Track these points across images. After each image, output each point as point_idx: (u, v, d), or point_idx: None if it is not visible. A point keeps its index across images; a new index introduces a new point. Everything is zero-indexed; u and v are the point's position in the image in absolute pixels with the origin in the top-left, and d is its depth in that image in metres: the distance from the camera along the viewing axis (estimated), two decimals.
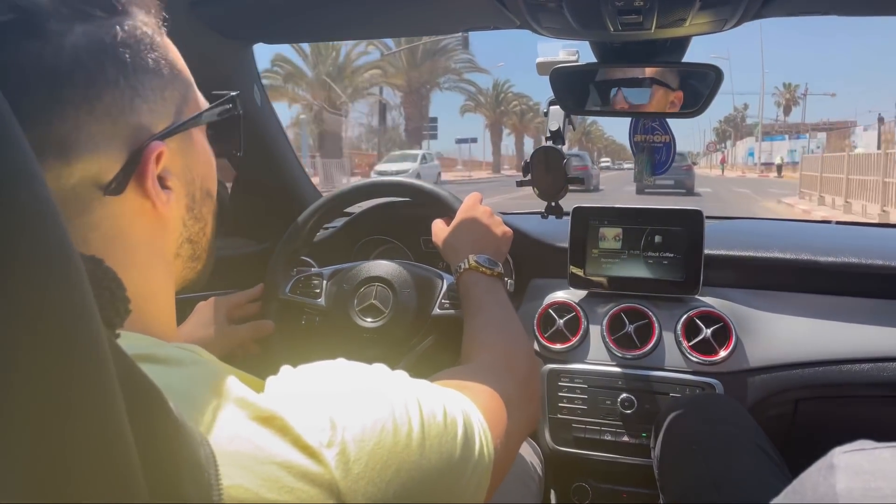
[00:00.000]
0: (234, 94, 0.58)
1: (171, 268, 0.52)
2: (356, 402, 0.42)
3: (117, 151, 0.44)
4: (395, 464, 0.41)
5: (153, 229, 0.49)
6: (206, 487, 0.33)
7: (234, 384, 0.40)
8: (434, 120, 37.09)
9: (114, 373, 0.26)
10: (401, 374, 0.49)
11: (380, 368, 0.49)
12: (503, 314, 0.81)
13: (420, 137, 36.20)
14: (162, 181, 0.48)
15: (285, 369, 0.45)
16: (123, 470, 0.26)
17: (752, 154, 53.14)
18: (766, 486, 0.76)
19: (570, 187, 1.08)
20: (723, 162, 56.40)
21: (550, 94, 1.07)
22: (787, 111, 72.10)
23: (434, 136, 37.01)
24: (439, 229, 1.01)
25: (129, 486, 0.26)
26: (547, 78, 1.02)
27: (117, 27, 0.44)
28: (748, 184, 29.22)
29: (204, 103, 0.55)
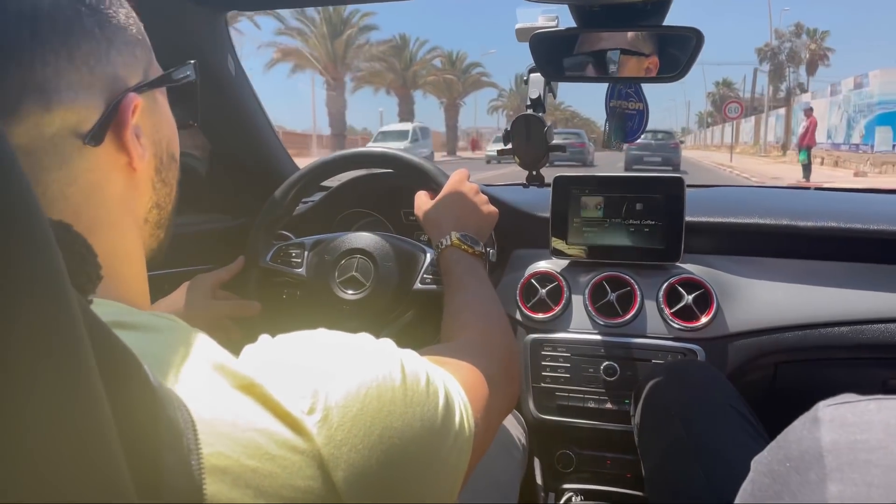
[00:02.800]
0: (191, 61, 0.58)
1: (141, 232, 0.52)
2: (339, 368, 0.41)
3: (95, 101, 0.44)
4: (378, 429, 0.40)
5: (127, 187, 0.49)
6: (185, 453, 0.32)
7: (213, 351, 0.39)
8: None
9: (87, 338, 0.25)
10: (385, 342, 0.49)
11: (363, 336, 0.48)
12: (484, 294, 0.80)
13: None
14: (136, 138, 0.48)
15: (264, 338, 0.44)
16: (99, 437, 0.25)
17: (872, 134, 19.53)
18: (743, 449, 0.77)
19: (564, 162, 1.07)
20: (807, 143, 15.85)
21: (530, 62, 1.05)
22: (811, 67, 48.29)
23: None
24: (422, 202, 0.99)
25: (105, 454, 0.25)
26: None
27: None
28: None
29: (161, 73, 0.55)
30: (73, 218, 0.43)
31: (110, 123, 0.45)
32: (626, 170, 17.96)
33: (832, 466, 0.42)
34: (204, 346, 0.39)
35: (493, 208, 0.97)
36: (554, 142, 1.09)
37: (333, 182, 1.35)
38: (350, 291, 1.07)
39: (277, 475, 0.35)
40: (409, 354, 0.49)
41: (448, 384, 0.49)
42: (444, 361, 0.55)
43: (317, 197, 1.39)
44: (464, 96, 43.97)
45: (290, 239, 1.20)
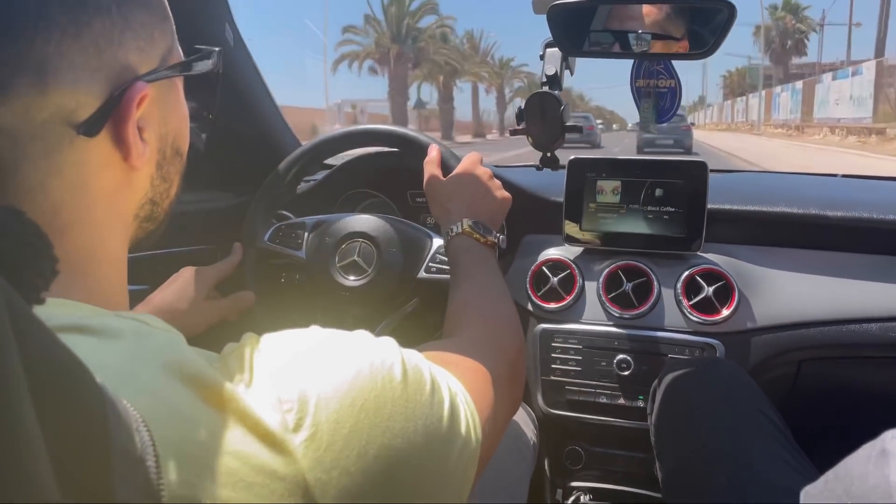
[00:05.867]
0: (217, 49, 0.53)
1: (128, 230, 0.47)
2: (331, 377, 0.36)
3: (98, 88, 0.40)
4: (374, 448, 0.35)
5: (119, 184, 0.44)
6: (143, 483, 0.27)
7: (185, 359, 0.34)
8: None
9: (13, 347, 0.21)
10: (386, 342, 0.43)
11: (361, 336, 0.42)
12: (494, 288, 0.75)
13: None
14: (140, 132, 0.43)
15: (247, 337, 0.39)
16: (20, 464, 0.20)
17: None
18: (772, 458, 0.71)
19: (570, 144, 1.01)
20: None
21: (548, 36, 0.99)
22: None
23: None
24: (433, 183, 0.92)
25: (27, 484, 0.20)
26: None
27: None
28: None
29: (181, 57, 0.50)
30: (51, 213, 0.39)
31: (110, 114, 0.41)
32: (638, 153, 17.82)
33: None
34: (174, 353, 0.34)
35: (506, 194, 0.91)
36: (570, 123, 1.02)
37: (337, 160, 1.30)
38: (351, 277, 1.02)
39: None
40: (413, 356, 0.43)
41: (454, 389, 0.44)
42: (447, 361, 0.50)
43: (320, 175, 1.34)
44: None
45: (290, 218, 1.15)
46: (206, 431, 0.31)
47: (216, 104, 0.57)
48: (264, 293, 1.05)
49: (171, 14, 0.47)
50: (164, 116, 0.47)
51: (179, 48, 0.50)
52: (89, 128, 0.40)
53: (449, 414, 0.41)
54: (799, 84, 32.41)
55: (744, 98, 49.79)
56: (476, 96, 45.17)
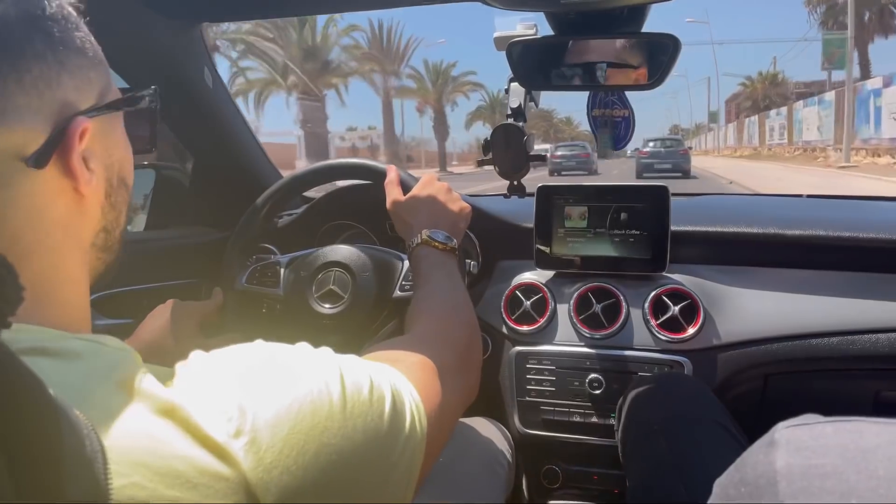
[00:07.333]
0: (153, 87, 0.58)
1: (86, 256, 0.51)
2: (269, 384, 0.40)
3: (42, 124, 0.43)
4: (313, 448, 0.38)
5: (72, 212, 0.47)
6: (93, 484, 0.31)
7: (137, 375, 0.37)
8: None
9: None
10: (324, 351, 0.47)
11: (300, 347, 0.46)
12: (447, 284, 0.79)
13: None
14: (84, 162, 0.47)
15: (195, 354, 0.43)
16: None
17: None
18: (724, 463, 0.74)
19: (570, 172, 1.06)
20: None
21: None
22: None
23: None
24: (395, 202, 0.96)
25: None
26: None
27: (45, 1, 0.45)
28: None
29: (119, 96, 0.54)
30: (11, 240, 0.43)
31: (56, 147, 0.44)
32: (638, 178, 17.90)
33: (785, 493, 0.40)
34: (127, 370, 0.38)
35: (465, 205, 0.95)
36: (534, 152, 1.07)
37: (318, 192, 1.34)
38: (328, 305, 1.05)
39: None
40: (350, 361, 0.47)
41: (397, 385, 0.48)
42: (393, 358, 0.54)
43: (301, 209, 1.38)
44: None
45: (272, 253, 1.19)
46: (153, 438, 0.34)
47: (155, 138, 0.61)
48: (246, 325, 1.08)
49: (104, 59, 0.51)
50: (107, 148, 0.50)
51: (116, 88, 0.53)
52: (38, 160, 0.43)
53: (391, 409, 0.45)
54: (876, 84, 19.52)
55: (777, 112, 33.68)
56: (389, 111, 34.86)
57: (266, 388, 0.39)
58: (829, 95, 24.22)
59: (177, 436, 0.35)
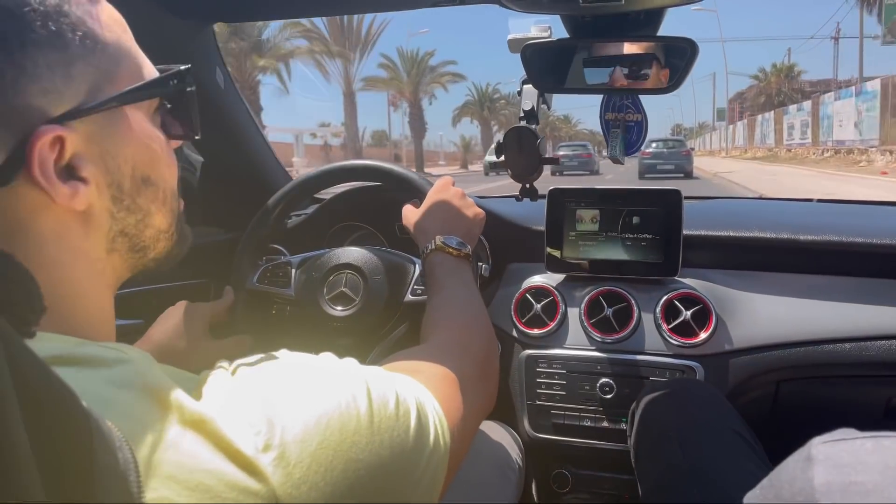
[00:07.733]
0: (181, 67, 0.52)
1: (98, 265, 0.48)
2: (298, 399, 0.39)
3: (4, 137, 0.39)
4: (341, 463, 0.38)
5: (63, 224, 0.44)
6: (125, 496, 0.30)
7: (164, 385, 0.37)
8: None
9: (6, 374, 0.24)
10: (349, 363, 0.47)
11: (326, 358, 0.46)
12: (464, 292, 0.79)
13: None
14: (74, 171, 0.43)
15: (222, 364, 0.42)
16: (11, 479, 0.23)
17: None
18: (744, 475, 0.74)
19: (573, 172, 1.05)
20: None
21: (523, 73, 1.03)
22: None
23: None
24: (410, 212, 0.97)
25: (13, 487, 0.23)
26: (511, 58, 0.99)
27: None
28: None
29: (149, 78, 0.49)
30: None
31: (23, 161, 0.40)
32: (640, 179, 17.89)
33: None
34: (154, 381, 0.37)
35: (479, 210, 0.95)
36: (548, 155, 1.06)
37: (327, 194, 1.33)
38: (339, 307, 1.05)
39: None
40: (376, 373, 0.46)
41: (421, 398, 0.47)
42: (415, 369, 0.53)
43: (311, 210, 1.38)
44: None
45: (282, 254, 1.18)
46: (182, 452, 0.34)
47: (196, 123, 0.55)
48: (257, 326, 1.08)
49: (109, 41, 0.45)
50: (108, 150, 0.45)
51: (135, 71, 0.48)
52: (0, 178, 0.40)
53: (416, 424, 0.44)
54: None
55: (798, 107, 28.90)
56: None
57: (294, 402, 0.39)
58: (873, 85, 19.13)
59: (205, 449, 0.34)
